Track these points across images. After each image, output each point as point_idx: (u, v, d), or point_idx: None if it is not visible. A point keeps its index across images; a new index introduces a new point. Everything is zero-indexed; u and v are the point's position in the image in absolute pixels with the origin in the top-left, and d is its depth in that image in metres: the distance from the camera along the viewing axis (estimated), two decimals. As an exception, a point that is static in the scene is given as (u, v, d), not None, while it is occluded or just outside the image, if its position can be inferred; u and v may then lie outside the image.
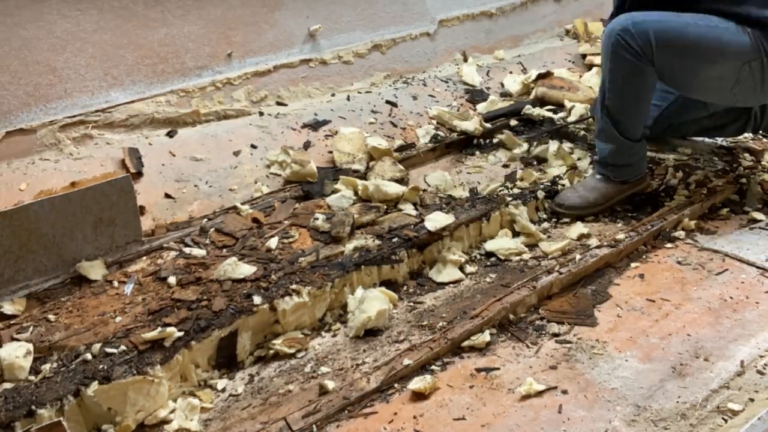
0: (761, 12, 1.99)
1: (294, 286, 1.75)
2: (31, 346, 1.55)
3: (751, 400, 1.49)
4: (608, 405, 1.50)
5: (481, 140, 2.60)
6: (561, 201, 2.22)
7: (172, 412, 1.54)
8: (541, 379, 1.57)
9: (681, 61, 2.05)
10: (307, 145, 2.41)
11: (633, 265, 2.00)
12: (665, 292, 1.87)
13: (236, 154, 2.32)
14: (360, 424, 1.48)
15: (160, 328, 1.58)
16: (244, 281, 1.77)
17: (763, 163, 2.47)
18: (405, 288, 1.95)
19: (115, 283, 1.79)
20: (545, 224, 2.21)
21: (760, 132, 2.58)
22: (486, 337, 1.70)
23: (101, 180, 1.84)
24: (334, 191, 2.19)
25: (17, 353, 1.51)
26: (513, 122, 2.71)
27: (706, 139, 2.62)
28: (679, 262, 2.00)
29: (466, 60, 3.13)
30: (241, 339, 1.68)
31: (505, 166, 2.47)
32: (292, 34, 2.68)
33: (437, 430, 1.45)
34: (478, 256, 2.07)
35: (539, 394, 1.53)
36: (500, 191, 2.25)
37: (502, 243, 2.08)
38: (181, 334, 1.59)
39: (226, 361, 1.68)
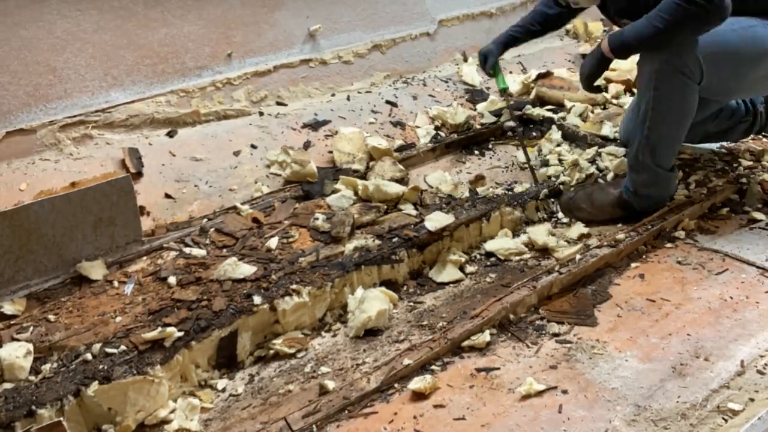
0: None
1: (294, 286, 1.75)
2: (31, 346, 1.55)
3: (752, 399, 1.49)
4: (608, 405, 1.50)
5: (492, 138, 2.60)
6: (570, 207, 2.18)
7: (172, 412, 1.54)
8: (541, 379, 1.57)
9: (728, 70, 1.99)
10: (307, 145, 2.42)
11: (633, 265, 2.00)
12: (665, 292, 1.87)
13: (236, 154, 2.32)
14: (360, 424, 1.48)
15: (160, 328, 1.58)
16: (244, 281, 1.77)
17: (763, 163, 2.47)
18: (405, 288, 1.96)
19: (115, 283, 1.80)
20: (546, 224, 2.20)
21: (762, 132, 2.56)
22: (486, 337, 1.70)
23: (101, 180, 1.84)
24: (334, 191, 2.19)
25: (17, 353, 1.51)
26: (513, 122, 2.71)
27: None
28: (679, 262, 2.00)
29: (466, 60, 3.14)
30: (241, 339, 1.68)
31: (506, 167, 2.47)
32: (292, 34, 2.68)
33: (437, 430, 1.45)
34: (478, 256, 2.07)
35: (539, 393, 1.53)
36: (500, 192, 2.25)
37: (502, 243, 2.08)
38: (181, 334, 1.59)
39: (226, 361, 1.68)
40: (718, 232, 2.14)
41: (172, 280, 1.77)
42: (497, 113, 2.75)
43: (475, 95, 2.88)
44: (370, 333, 1.76)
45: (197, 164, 2.24)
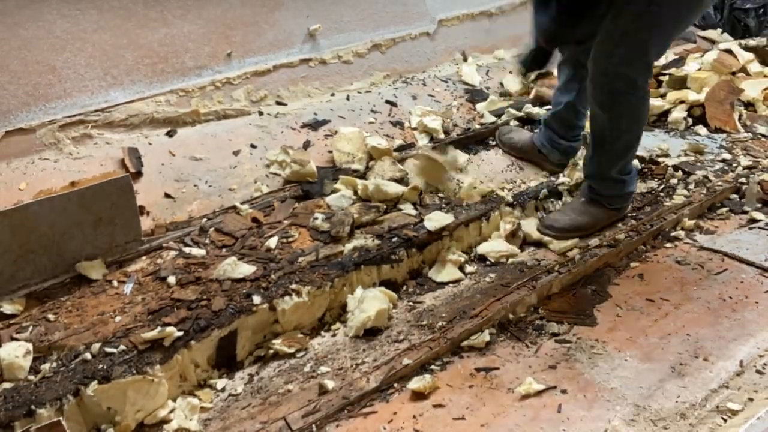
0: None
1: (294, 286, 1.75)
2: (30, 346, 1.55)
3: (751, 399, 1.49)
4: (608, 404, 1.50)
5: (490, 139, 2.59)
6: (550, 223, 2.11)
7: (172, 411, 1.54)
8: (541, 379, 1.57)
9: (678, 29, 1.95)
10: (306, 145, 2.41)
11: (632, 264, 2.01)
12: (665, 291, 1.87)
13: (236, 153, 2.32)
14: (360, 424, 1.48)
15: (159, 328, 1.58)
16: (243, 281, 1.77)
17: (762, 163, 2.47)
18: (405, 288, 1.96)
19: (115, 283, 1.79)
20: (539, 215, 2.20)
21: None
22: (485, 336, 1.70)
23: (101, 179, 1.83)
24: (334, 191, 2.19)
25: (17, 353, 1.51)
26: (513, 122, 2.72)
27: (707, 139, 2.62)
28: (678, 262, 2.00)
29: (465, 60, 3.13)
30: (241, 339, 1.68)
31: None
32: (291, 34, 2.68)
33: (437, 430, 1.46)
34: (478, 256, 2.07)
35: (539, 393, 1.53)
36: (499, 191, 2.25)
37: (493, 245, 2.06)
38: (180, 333, 1.59)
39: (226, 360, 1.68)
40: (718, 231, 2.14)
41: (171, 279, 1.77)
42: (497, 113, 2.75)
43: (474, 95, 2.88)
44: (370, 333, 1.76)
45: (197, 164, 2.24)
